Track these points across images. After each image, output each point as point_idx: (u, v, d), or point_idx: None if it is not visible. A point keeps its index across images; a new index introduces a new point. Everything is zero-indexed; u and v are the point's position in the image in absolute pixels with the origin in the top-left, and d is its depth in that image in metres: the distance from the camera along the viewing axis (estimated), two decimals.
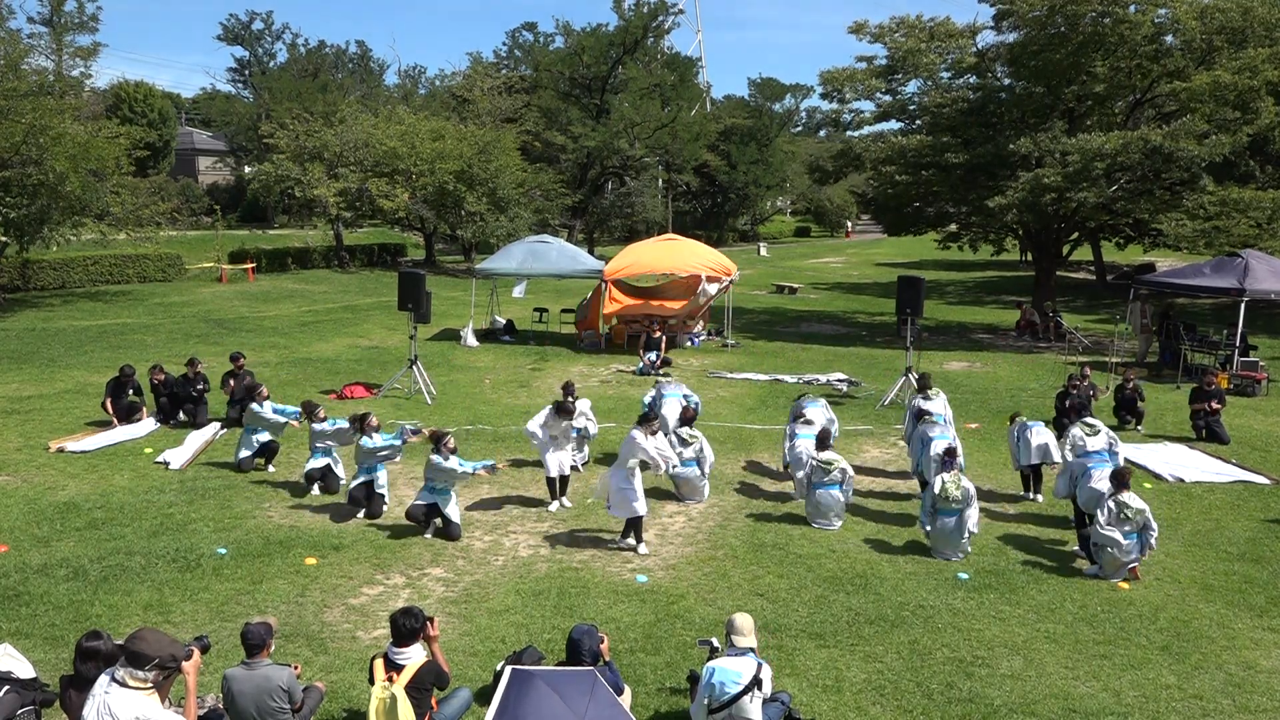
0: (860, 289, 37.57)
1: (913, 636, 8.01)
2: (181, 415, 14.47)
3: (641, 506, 9.74)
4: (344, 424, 11.30)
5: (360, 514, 10.61)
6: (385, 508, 10.74)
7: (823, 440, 10.89)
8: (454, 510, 10.11)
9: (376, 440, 10.71)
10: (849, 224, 73.24)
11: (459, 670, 7.16)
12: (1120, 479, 9.38)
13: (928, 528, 9.83)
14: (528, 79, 51.39)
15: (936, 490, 9.73)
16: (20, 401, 15.60)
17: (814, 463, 10.64)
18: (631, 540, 9.86)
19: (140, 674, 4.81)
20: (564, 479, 11.18)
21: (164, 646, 4.90)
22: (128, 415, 14.13)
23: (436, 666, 6.19)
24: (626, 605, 8.49)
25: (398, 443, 10.82)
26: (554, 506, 11.05)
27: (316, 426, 11.42)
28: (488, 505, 11.05)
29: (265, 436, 12.36)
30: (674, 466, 10.84)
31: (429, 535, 10.04)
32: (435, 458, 10.02)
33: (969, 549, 9.76)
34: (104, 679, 4.92)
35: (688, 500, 11.38)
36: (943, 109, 26.30)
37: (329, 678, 7.08)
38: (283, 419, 12.35)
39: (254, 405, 12.27)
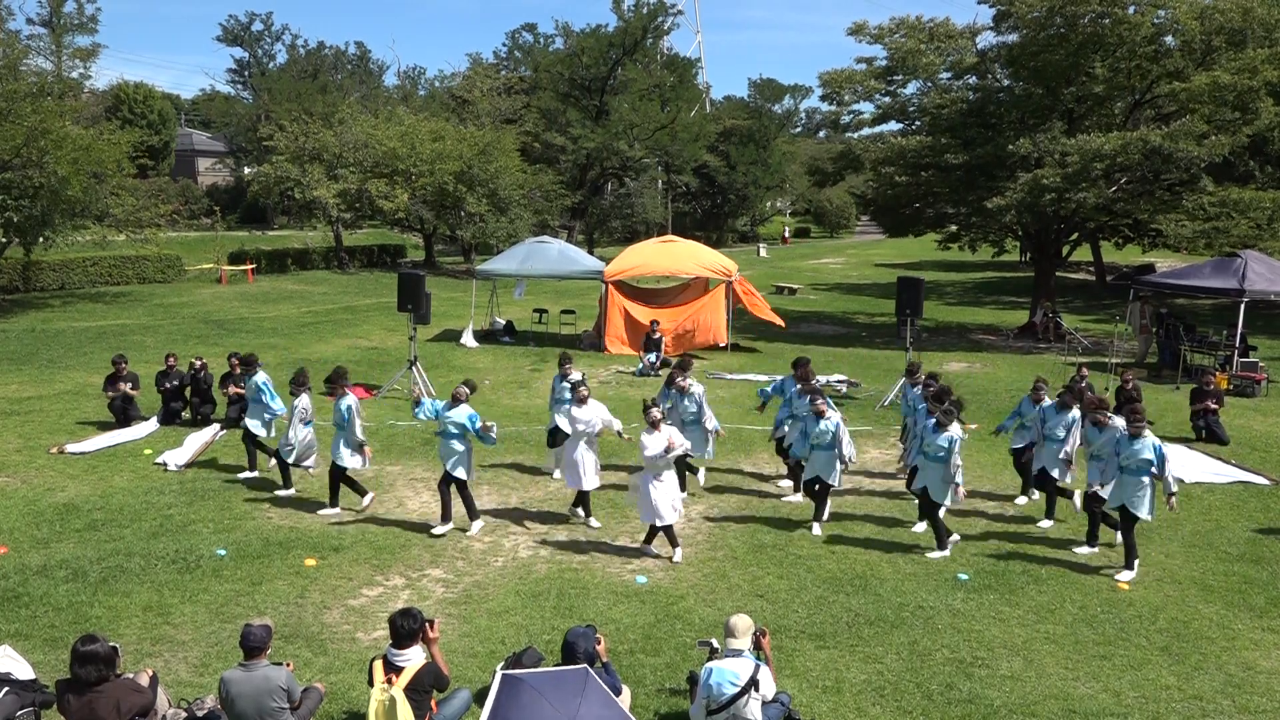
0: (860, 290, 37.57)
1: (912, 637, 8.01)
2: (185, 414, 14.54)
3: (663, 513, 9.44)
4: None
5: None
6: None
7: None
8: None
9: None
10: (786, 230, 71.72)
11: (458, 671, 7.17)
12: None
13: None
14: (527, 80, 51.32)
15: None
16: (20, 402, 15.60)
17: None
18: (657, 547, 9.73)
19: None
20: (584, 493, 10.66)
21: None
22: (123, 409, 14.15)
23: (436, 668, 6.19)
24: (626, 606, 8.49)
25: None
26: (594, 522, 10.61)
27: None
28: (487, 506, 11.04)
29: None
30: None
31: (447, 526, 10.14)
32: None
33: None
34: None
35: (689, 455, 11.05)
36: (942, 110, 26.26)
37: (328, 679, 7.08)
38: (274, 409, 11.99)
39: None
